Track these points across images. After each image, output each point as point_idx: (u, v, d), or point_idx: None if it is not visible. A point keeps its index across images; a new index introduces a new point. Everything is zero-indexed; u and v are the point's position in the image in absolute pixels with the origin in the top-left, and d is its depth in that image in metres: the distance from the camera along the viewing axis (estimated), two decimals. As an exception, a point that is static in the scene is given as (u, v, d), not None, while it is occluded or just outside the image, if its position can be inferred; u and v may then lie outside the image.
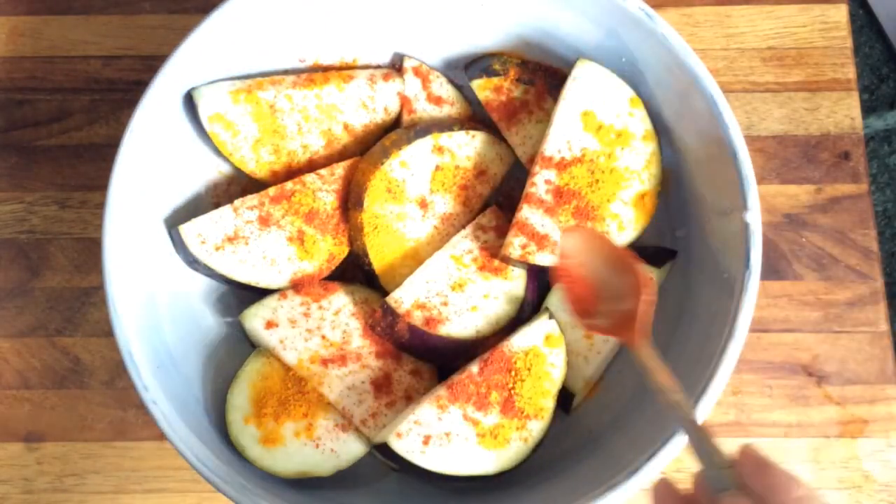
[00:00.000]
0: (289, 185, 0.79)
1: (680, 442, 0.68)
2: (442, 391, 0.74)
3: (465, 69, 0.85)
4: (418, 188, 0.81)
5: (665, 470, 0.86)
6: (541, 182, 0.78)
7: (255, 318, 0.78)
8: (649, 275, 0.79)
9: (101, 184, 0.90)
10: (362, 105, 0.83)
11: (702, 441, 0.56)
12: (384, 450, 0.73)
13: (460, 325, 0.78)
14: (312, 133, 0.82)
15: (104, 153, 0.92)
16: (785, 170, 0.92)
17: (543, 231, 0.77)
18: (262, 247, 0.79)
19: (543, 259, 0.77)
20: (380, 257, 0.80)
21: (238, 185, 0.85)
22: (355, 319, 0.80)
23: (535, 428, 0.76)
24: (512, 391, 0.75)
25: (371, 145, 0.84)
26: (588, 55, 0.80)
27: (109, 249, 0.71)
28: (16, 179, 0.92)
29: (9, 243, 0.90)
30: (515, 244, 0.77)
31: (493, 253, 0.80)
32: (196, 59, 0.76)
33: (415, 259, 0.81)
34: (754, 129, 0.93)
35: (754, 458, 0.53)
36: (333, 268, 0.82)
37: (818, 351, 0.88)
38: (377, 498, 0.77)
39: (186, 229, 0.76)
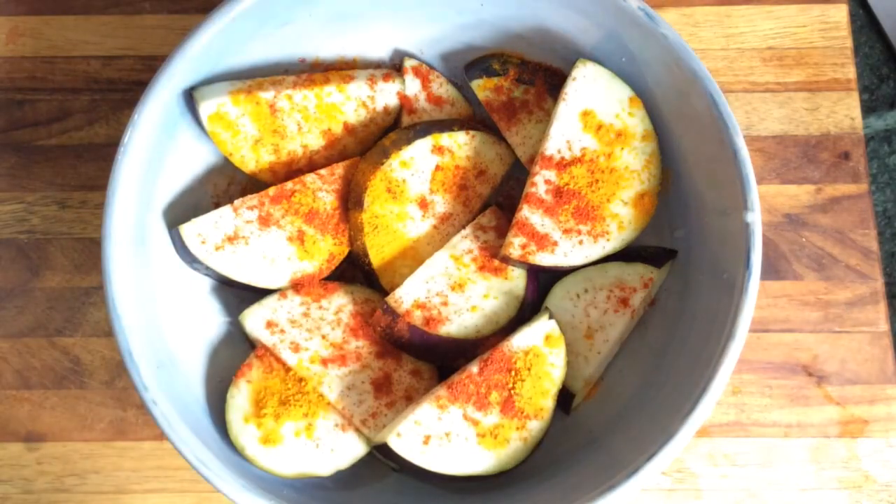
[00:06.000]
0: (289, 185, 0.79)
1: (680, 442, 0.68)
2: (442, 391, 0.74)
3: (465, 69, 0.85)
4: (418, 188, 0.81)
5: (665, 470, 0.86)
6: (541, 182, 0.78)
7: (255, 318, 0.78)
8: (649, 275, 0.79)
9: (101, 184, 0.91)
10: (362, 105, 0.83)
11: None
12: (384, 450, 0.73)
13: (460, 324, 0.78)
14: (312, 133, 0.82)
15: (104, 153, 0.92)
16: (785, 170, 0.92)
17: (543, 231, 0.77)
18: (262, 247, 0.79)
19: (543, 259, 0.77)
20: (380, 257, 0.80)
21: (238, 185, 0.85)
22: (355, 319, 0.80)
23: (535, 428, 0.76)
24: (512, 391, 0.75)
25: (371, 145, 0.84)
26: (588, 55, 0.80)
27: (109, 249, 0.71)
28: (16, 179, 0.92)
29: (9, 243, 0.90)
30: (515, 244, 0.77)
31: (493, 253, 0.80)
32: (196, 59, 0.76)
33: (415, 259, 0.81)
34: (754, 129, 0.93)
35: None
36: (333, 268, 0.81)
37: (818, 351, 0.88)
38: (377, 498, 0.77)
39: (186, 229, 0.76)
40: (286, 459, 0.75)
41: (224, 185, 0.84)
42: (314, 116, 0.82)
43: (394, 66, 0.87)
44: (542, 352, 0.76)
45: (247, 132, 0.80)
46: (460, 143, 0.82)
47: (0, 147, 0.92)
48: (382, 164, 0.79)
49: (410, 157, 0.80)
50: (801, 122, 0.93)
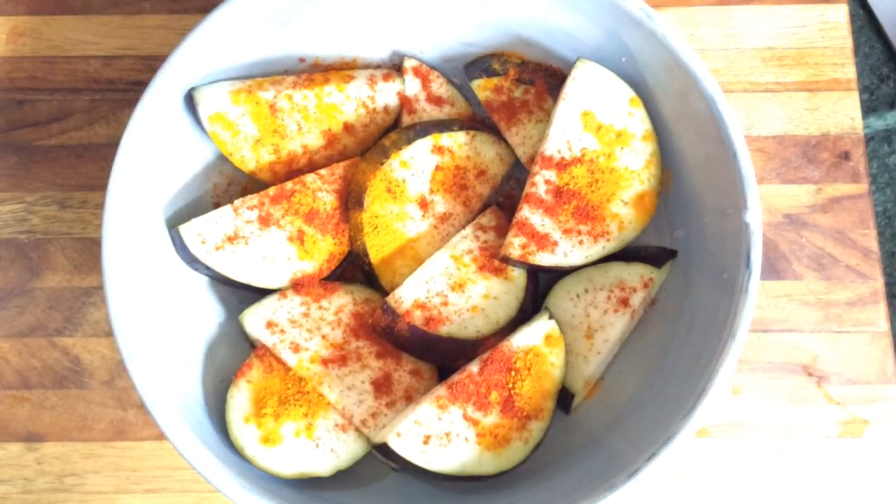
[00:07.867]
0: (289, 185, 0.79)
1: (680, 442, 0.68)
2: (442, 391, 0.74)
3: (465, 69, 0.85)
4: (418, 188, 0.81)
5: (665, 470, 0.86)
6: (541, 182, 0.78)
7: (255, 318, 0.78)
8: (649, 275, 0.79)
9: (101, 184, 0.91)
10: (362, 105, 0.83)
11: None
12: (384, 450, 0.73)
13: (460, 325, 0.78)
14: (312, 133, 0.82)
15: (104, 153, 0.92)
16: (785, 170, 0.92)
17: (543, 231, 0.77)
18: (262, 247, 0.79)
19: (543, 259, 0.77)
20: (380, 257, 0.80)
21: (238, 185, 0.85)
22: (355, 319, 0.80)
23: (535, 428, 0.76)
24: (512, 391, 0.75)
25: (371, 145, 0.84)
26: (588, 55, 0.80)
27: (109, 249, 0.71)
28: (16, 179, 0.92)
29: (9, 243, 0.90)
30: (515, 244, 0.77)
31: (493, 253, 0.80)
32: (196, 59, 0.76)
33: (415, 259, 0.81)
34: (754, 129, 0.93)
35: None
36: (333, 268, 0.82)
37: (818, 351, 0.88)
38: (377, 498, 0.77)
39: (186, 229, 0.76)
40: (286, 459, 0.75)
41: (224, 185, 0.84)
42: (314, 116, 0.82)
43: (394, 66, 0.87)
44: (542, 352, 0.77)
45: (247, 132, 0.80)
46: (460, 143, 0.82)
47: (0, 147, 0.92)
48: (382, 164, 0.79)
49: (410, 157, 0.80)
50: (801, 122, 0.93)
